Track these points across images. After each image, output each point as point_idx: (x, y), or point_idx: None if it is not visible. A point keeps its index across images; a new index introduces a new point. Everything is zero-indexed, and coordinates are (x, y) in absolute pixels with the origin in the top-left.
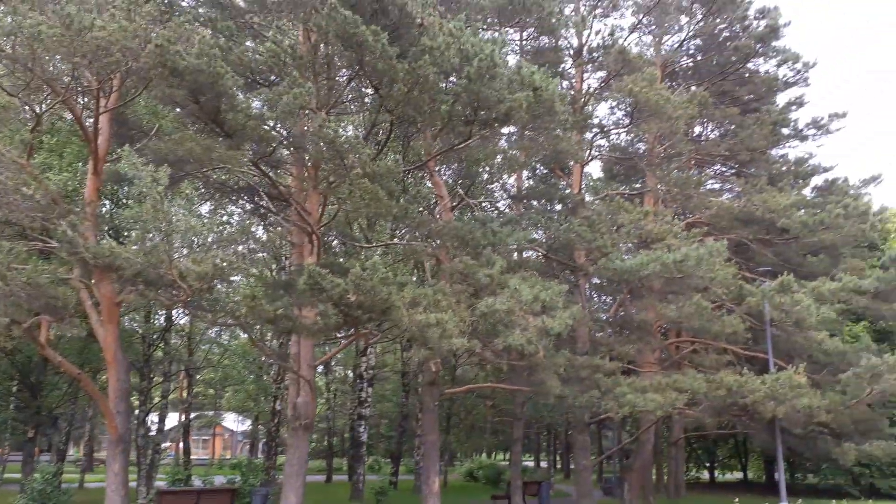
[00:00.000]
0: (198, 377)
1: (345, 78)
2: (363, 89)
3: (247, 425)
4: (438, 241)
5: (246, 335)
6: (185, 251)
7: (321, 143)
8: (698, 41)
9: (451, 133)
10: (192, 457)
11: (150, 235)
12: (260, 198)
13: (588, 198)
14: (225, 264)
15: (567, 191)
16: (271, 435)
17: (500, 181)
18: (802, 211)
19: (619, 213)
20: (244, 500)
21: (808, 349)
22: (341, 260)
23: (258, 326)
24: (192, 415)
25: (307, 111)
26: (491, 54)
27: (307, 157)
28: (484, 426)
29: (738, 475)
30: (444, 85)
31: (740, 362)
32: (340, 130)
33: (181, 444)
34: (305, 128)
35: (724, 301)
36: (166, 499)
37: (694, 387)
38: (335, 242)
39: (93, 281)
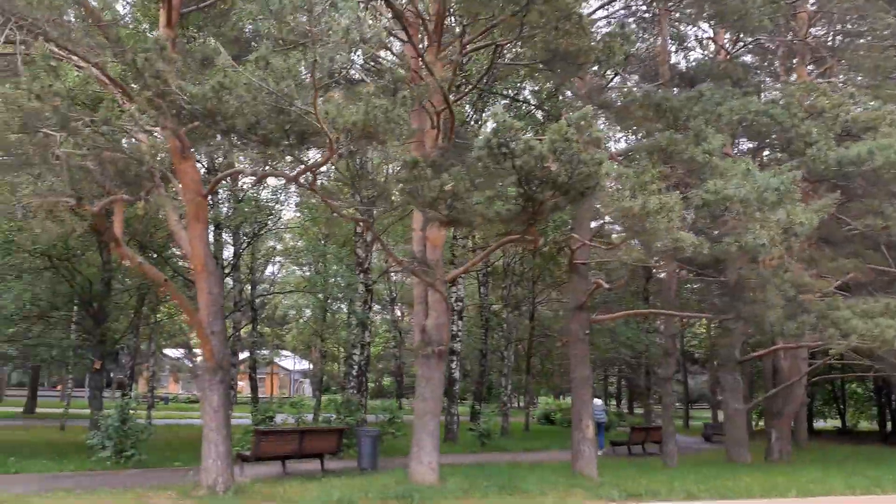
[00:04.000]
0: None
1: None
2: None
3: (304, 364)
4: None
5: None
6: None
7: None
8: None
9: None
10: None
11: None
12: None
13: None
14: (379, 112)
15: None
16: (361, 369)
17: None
18: None
19: (814, 97)
20: (350, 442)
21: None
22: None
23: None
24: (262, 352)
25: None
26: None
27: None
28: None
29: (864, 425)
30: None
31: None
32: None
33: (242, 383)
34: None
35: None
36: (266, 441)
37: None
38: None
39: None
